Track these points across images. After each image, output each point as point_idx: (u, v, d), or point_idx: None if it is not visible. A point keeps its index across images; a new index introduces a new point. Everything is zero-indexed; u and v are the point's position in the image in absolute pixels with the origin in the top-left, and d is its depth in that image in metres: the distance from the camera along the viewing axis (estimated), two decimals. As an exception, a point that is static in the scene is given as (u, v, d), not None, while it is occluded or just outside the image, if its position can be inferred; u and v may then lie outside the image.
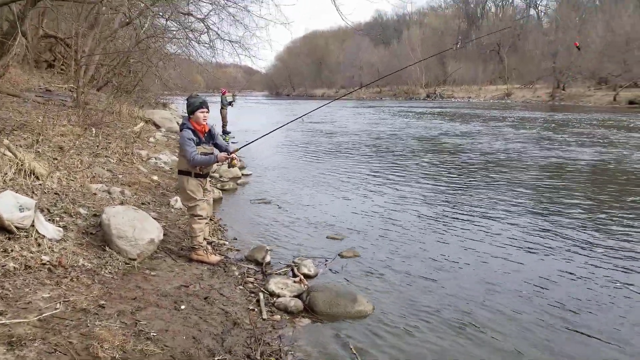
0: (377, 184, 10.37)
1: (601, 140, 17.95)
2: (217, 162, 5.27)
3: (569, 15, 61.25)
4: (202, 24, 15.37)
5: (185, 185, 5.19)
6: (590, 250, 6.22)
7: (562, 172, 11.66)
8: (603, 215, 7.82)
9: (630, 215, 7.73)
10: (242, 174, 11.04)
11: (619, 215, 7.80)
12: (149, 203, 7.10)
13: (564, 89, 56.38)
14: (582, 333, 4.14)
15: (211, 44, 15.88)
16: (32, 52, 17.07)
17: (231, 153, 5.35)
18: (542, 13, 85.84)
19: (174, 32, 16.94)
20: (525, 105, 49.30)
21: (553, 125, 25.15)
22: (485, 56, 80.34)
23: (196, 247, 5.28)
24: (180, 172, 5.26)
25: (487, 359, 3.75)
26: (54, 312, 3.43)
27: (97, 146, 9.00)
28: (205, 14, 15.04)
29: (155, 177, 8.69)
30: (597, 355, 3.82)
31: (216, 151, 5.36)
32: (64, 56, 20.23)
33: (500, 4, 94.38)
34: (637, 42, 47.00)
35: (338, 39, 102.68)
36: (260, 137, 6.10)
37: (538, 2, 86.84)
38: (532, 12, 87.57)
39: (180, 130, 5.21)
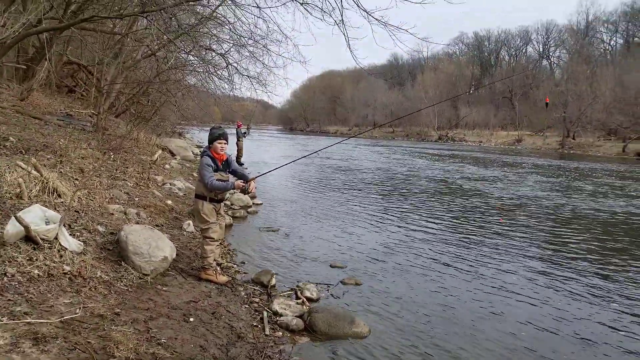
0: (383, 220, 10.65)
1: (610, 191, 18.13)
2: (234, 188, 5.62)
3: (580, 67, 62.19)
4: (222, 59, 15.97)
5: (200, 208, 5.53)
6: (589, 295, 6.42)
7: (568, 220, 11.85)
8: (608, 264, 8.02)
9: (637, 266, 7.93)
10: (253, 203, 11.39)
11: (628, 266, 8.00)
12: (162, 225, 7.43)
13: (574, 138, 56.78)
14: None
15: (230, 78, 16.42)
16: (55, 77, 17.77)
17: (248, 181, 5.69)
18: (555, 64, 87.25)
19: (195, 65, 17.55)
20: (536, 152, 49.62)
21: (563, 173, 25.38)
22: (498, 102, 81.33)
23: (206, 267, 5.58)
24: (197, 196, 5.61)
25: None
26: (74, 315, 3.72)
27: (116, 170, 9.40)
28: (226, 50, 15.64)
29: (169, 202, 9.04)
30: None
31: (232, 178, 5.70)
32: (85, 82, 20.96)
33: (513, 53, 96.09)
34: (647, 96, 47.65)
35: (353, 79, 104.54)
36: (275, 169, 6.50)
37: (550, 54, 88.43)
38: (545, 62, 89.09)
39: (201, 156, 5.61)
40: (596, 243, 9.28)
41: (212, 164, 5.46)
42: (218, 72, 16.17)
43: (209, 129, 5.78)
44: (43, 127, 10.65)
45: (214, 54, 15.54)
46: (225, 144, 5.61)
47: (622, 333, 5.16)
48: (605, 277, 7.08)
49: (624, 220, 11.77)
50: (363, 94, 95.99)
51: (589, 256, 8.27)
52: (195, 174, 13.16)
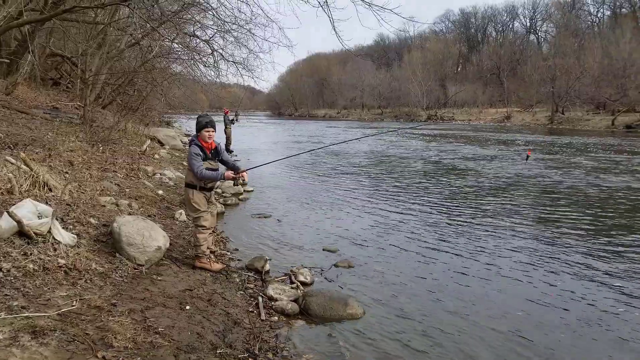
0: (375, 203, 10.72)
1: (599, 165, 18.32)
2: (224, 179, 5.62)
3: (568, 41, 62.29)
4: (207, 46, 15.85)
5: (191, 197, 5.55)
6: (580, 273, 6.54)
7: (561, 197, 11.97)
8: (600, 241, 8.16)
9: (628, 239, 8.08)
10: (244, 190, 11.41)
11: (620, 239, 8.15)
12: (154, 215, 7.45)
13: (563, 113, 57.04)
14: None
15: (215, 64, 16.32)
16: (40, 70, 17.57)
17: (239, 173, 5.70)
18: (542, 39, 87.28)
19: (179, 53, 17.41)
20: (525, 128, 49.85)
21: (552, 148, 25.56)
22: (486, 79, 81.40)
23: (200, 255, 5.62)
24: (187, 185, 5.63)
25: (459, 357, 4.07)
26: (71, 308, 3.76)
27: (105, 161, 9.38)
28: (211, 36, 15.51)
29: (160, 192, 9.06)
30: None
31: (222, 167, 5.72)
32: (69, 74, 20.75)
33: (500, 29, 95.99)
34: (634, 67, 47.84)
35: (340, 61, 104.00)
36: (268, 163, 6.52)
37: (538, 28, 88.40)
38: (532, 37, 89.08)
39: (189, 146, 5.61)
40: (589, 219, 9.42)
41: (201, 153, 5.47)
42: (203, 58, 16.08)
43: (196, 117, 5.78)
44: (30, 121, 10.58)
45: (198, 40, 15.43)
46: (212, 132, 5.61)
47: (617, 312, 5.29)
48: (597, 254, 7.21)
49: (618, 196, 11.91)
50: (350, 76, 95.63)
51: (582, 233, 8.39)
52: (185, 163, 13.14)
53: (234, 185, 6.60)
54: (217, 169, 5.61)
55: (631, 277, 6.10)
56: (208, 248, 5.79)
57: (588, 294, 5.55)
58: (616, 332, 4.63)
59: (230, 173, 5.58)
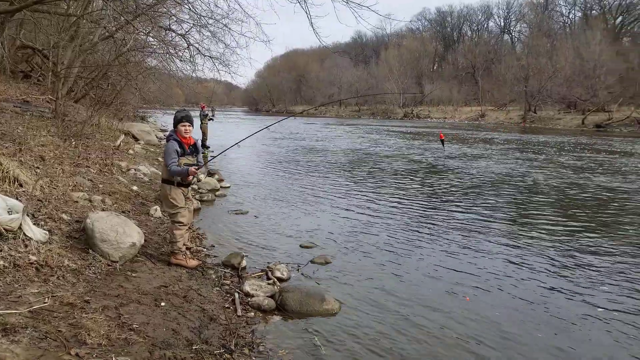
0: (352, 200, 10.76)
1: (569, 163, 18.71)
2: (188, 174, 5.43)
3: (541, 41, 63.38)
4: (183, 40, 15.67)
5: (168, 193, 5.49)
6: (550, 267, 6.68)
7: (533, 194, 12.21)
8: (572, 238, 8.34)
9: (598, 233, 8.27)
10: (221, 187, 11.34)
11: (589, 233, 8.34)
12: (129, 211, 7.35)
13: (535, 112, 58.10)
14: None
15: (192, 59, 16.17)
16: (9, 62, 17.15)
17: (198, 168, 5.60)
18: (516, 39, 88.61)
19: (154, 47, 17.18)
20: (499, 127, 50.55)
21: (523, 147, 25.98)
22: (461, 78, 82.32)
23: (176, 251, 5.57)
24: (164, 181, 5.57)
25: (438, 353, 4.13)
26: (43, 305, 3.70)
27: (78, 157, 9.20)
28: (187, 30, 15.35)
29: (135, 187, 8.94)
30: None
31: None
32: (41, 67, 20.28)
33: (475, 28, 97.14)
34: (604, 69, 48.98)
35: (318, 58, 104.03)
36: (223, 152, 6.58)
37: (512, 28, 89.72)
38: (506, 37, 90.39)
39: (167, 141, 5.54)
40: (560, 217, 9.62)
41: (179, 149, 5.41)
42: (179, 53, 15.93)
43: (172, 112, 5.72)
44: (-1, 115, 10.32)
45: (173, 34, 15.29)
46: (189, 126, 5.56)
47: (585, 304, 5.42)
48: (569, 250, 7.37)
49: (588, 193, 12.19)
50: (328, 72, 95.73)
51: (554, 229, 8.57)
52: (160, 159, 12.99)
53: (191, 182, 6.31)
54: (192, 165, 5.56)
55: (615, 272, 6.25)
56: (184, 244, 5.74)
57: (563, 289, 5.68)
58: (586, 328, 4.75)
59: (193, 169, 5.46)
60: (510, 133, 38.82)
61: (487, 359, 4.07)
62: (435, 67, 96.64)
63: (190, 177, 5.46)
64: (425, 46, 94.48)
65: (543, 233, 8.12)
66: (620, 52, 54.00)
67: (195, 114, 20.84)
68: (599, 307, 5.18)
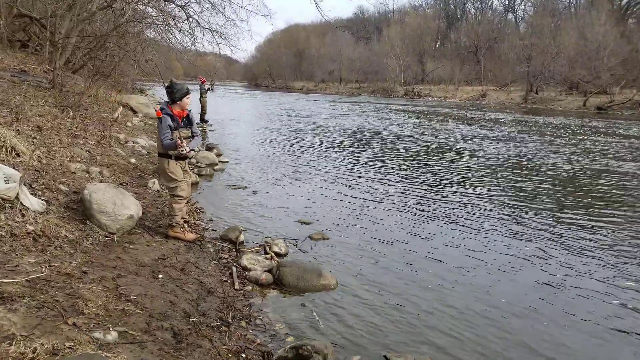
0: (351, 178, 10.73)
1: (568, 145, 18.66)
2: (175, 147, 5.29)
3: (545, 20, 62.63)
4: (183, 11, 15.46)
5: (165, 167, 5.46)
6: (550, 244, 6.70)
7: (528, 172, 12.20)
8: (566, 214, 8.35)
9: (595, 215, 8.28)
10: (219, 161, 11.29)
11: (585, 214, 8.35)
12: (127, 184, 7.31)
13: (537, 93, 57.70)
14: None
15: (191, 31, 15.98)
16: (6, 31, 16.91)
17: (188, 139, 5.54)
18: (520, 18, 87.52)
19: (153, 18, 16.93)
20: (500, 107, 50.29)
21: (525, 127, 25.89)
22: (463, 57, 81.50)
23: (174, 224, 5.56)
24: (160, 155, 5.53)
25: (433, 328, 4.15)
26: (40, 275, 3.68)
27: (76, 128, 9.13)
28: (186, 1, 15.13)
29: (133, 160, 8.89)
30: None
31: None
32: (38, 37, 20.00)
33: (479, 6, 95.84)
34: (607, 50, 48.46)
35: (319, 33, 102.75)
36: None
37: (516, 7, 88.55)
38: (510, 16, 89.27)
39: (159, 114, 5.45)
40: (559, 196, 9.62)
41: (172, 123, 5.34)
42: (178, 24, 15.72)
43: (180, 85, 5.67)
44: (-4, 84, 10.21)
45: (173, 5, 15.05)
46: (187, 98, 5.51)
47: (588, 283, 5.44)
48: (565, 229, 7.39)
49: (587, 175, 12.18)
50: (329, 48, 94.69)
51: (554, 210, 8.58)
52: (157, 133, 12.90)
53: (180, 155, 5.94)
54: (189, 137, 5.53)
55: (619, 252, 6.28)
56: (182, 218, 5.73)
57: (564, 269, 5.70)
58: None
59: (178, 140, 5.27)
60: (512, 114, 38.61)
61: (484, 334, 4.09)
62: (437, 45, 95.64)
63: (182, 149, 5.33)
64: (428, 23, 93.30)
65: (544, 213, 8.13)
66: (624, 34, 53.37)
67: (194, 87, 20.74)
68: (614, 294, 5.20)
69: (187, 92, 5.48)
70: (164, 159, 5.51)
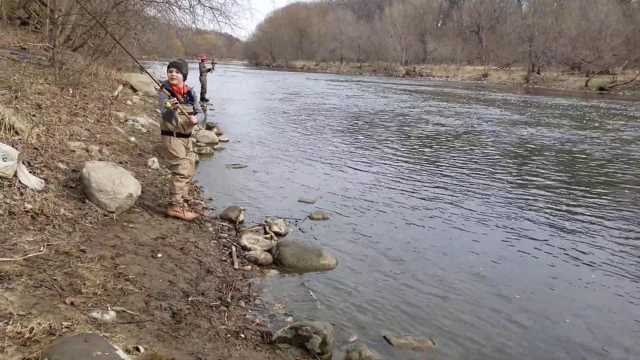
0: (352, 158, 10.68)
1: (570, 124, 18.56)
2: (174, 111, 5.24)
3: (547, 0, 61.89)
4: (183, -12, 15.24)
5: (168, 144, 5.43)
6: (547, 225, 6.67)
7: (531, 154, 12.15)
8: (568, 195, 8.31)
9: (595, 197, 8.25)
10: (219, 140, 11.23)
11: (586, 196, 8.32)
12: (126, 162, 7.27)
13: (539, 73, 57.25)
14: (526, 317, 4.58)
15: (191, 9, 15.77)
16: (6, 8, 16.71)
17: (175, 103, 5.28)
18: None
19: (154, -6, 16.70)
20: (502, 87, 49.96)
21: (526, 108, 25.73)
22: (465, 36, 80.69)
23: (174, 203, 5.53)
24: (163, 132, 5.49)
25: (434, 310, 4.15)
26: (38, 253, 3.66)
27: (75, 106, 9.05)
28: (186, -22, 14.90)
29: (132, 139, 8.84)
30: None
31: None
32: (38, 14, 19.78)
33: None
34: (610, 30, 47.95)
35: (320, 12, 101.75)
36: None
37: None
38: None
39: (159, 90, 5.43)
40: (563, 178, 9.58)
41: (168, 96, 5.27)
42: (178, 2, 15.49)
43: (178, 61, 5.62)
44: (-4, 62, 10.11)
45: (173, -18, 14.81)
46: (176, 72, 5.36)
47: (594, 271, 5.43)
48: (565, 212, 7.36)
49: (589, 157, 12.13)
50: (330, 27, 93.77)
51: (555, 192, 8.55)
52: (158, 110, 12.83)
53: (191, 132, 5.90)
54: (191, 113, 5.47)
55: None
56: (182, 197, 5.70)
57: (573, 255, 5.69)
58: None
59: (174, 100, 5.18)
60: (515, 94, 38.33)
61: (486, 317, 4.09)
62: (439, 25, 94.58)
63: (176, 111, 5.24)
64: (430, 2, 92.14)
65: (545, 195, 8.10)
66: (627, 13, 52.71)
67: (194, 66, 20.59)
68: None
69: (168, 66, 5.44)
70: (166, 137, 5.47)
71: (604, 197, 8.13)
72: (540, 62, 56.79)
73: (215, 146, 10.68)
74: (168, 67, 5.43)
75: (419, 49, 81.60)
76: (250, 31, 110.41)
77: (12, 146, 5.53)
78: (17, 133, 6.08)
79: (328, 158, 10.39)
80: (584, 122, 19.52)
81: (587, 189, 8.66)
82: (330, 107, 21.64)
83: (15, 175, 4.64)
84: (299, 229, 5.94)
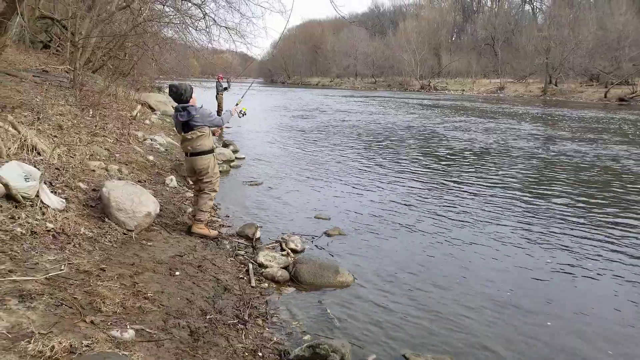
0: (368, 174, 10.66)
1: (590, 137, 18.35)
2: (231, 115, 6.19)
3: (563, 11, 61.62)
4: (199, 10, 15.52)
5: (211, 164, 5.62)
6: (571, 243, 6.59)
7: (549, 167, 12.02)
8: (591, 210, 8.20)
9: (614, 209, 8.13)
10: (236, 157, 11.33)
11: (607, 210, 8.20)
12: (145, 181, 7.38)
13: (556, 85, 56.82)
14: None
15: (207, 30, 16.04)
16: (29, 32, 17.15)
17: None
18: (537, 9, 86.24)
19: (170, 17, 17.04)
20: (519, 100, 49.60)
21: (545, 120, 25.50)
22: (480, 49, 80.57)
23: (202, 220, 5.61)
24: (206, 152, 5.58)
25: (452, 328, 4.11)
26: (59, 272, 3.73)
27: (95, 126, 9.23)
28: (203, 0, 15.18)
29: (151, 157, 8.96)
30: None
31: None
32: (59, 37, 20.25)
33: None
34: (629, 40, 47.50)
35: (334, 29, 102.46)
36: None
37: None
38: (527, 7, 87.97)
39: (194, 110, 5.44)
40: (583, 190, 9.46)
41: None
42: (195, 23, 15.78)
43: (189, 83, 5.76)
44: (19, 84, 10.35)
45: (189, 4, 15.10)
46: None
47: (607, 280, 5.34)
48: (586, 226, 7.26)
49: (612, 170, 11.96)
50: (344, 43, 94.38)
51: (578, 205, 8.44)
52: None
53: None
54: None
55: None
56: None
57: (586, 266, 5.60)
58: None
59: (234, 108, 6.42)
60: (535, 106, 37.99)
61: (505, 335, 4.04)
62: (453, 38, 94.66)
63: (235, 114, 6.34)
64: (444, 16, 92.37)
65: (568, 209, 8.00)
66: (646, 23, 52.22)
67: (211, 85, 20.86)
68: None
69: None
70: (209, 155, 5.61)
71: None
72: (558, 73, 56.39)
73: (232, 163, 10.78)
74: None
75: (433, 63, 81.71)
76: (265, 49, 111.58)
77: (35, 166, 5.66)
78: (39, 154, 6.22)
79: (345, 175, 10.40)
80: (610, 135, 19.25)
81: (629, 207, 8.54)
82: (346, 124, 21.69)
83: (37, 195, 4.74)
84: (316, 245, 5.95)
